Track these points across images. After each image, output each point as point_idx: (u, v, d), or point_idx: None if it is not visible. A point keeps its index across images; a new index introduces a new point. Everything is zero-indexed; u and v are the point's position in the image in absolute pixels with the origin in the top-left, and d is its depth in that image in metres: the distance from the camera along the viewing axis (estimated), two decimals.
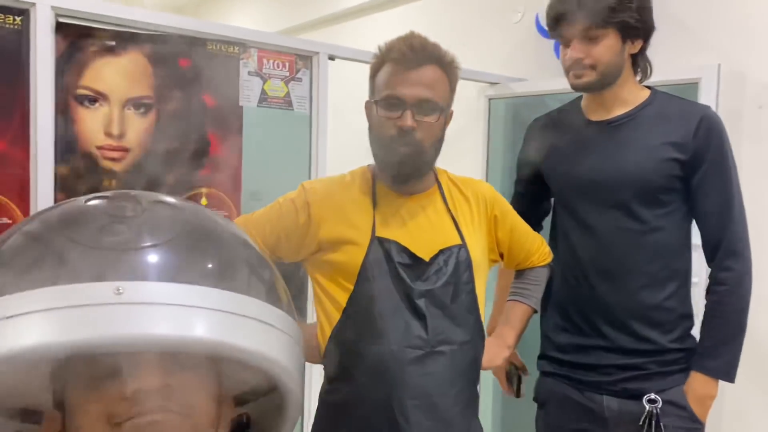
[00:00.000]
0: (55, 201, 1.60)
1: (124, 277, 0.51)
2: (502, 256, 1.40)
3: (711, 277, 1.44)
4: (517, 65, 2.72)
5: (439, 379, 1.16)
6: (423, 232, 1.23)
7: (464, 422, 1.24)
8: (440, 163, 1.35)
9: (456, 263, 1.21)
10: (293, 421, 0.64)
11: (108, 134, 1.68)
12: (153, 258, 0.54)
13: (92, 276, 0.50)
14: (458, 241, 1.24)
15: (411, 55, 1.18)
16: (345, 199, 1.26)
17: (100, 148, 1.67)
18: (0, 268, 0.54)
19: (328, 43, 2.08)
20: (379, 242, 1.20)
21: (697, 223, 1.46)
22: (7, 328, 0.48)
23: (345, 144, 2.76)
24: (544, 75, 2.64)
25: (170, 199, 0.61)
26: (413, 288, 1.18)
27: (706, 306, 1.45)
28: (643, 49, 1.47)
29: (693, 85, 2.12)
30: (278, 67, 1.99)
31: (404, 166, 1.21)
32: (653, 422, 1.36)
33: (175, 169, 1.79)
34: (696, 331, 1.47)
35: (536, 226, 1.61)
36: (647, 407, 1.37)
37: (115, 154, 1.70)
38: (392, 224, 1.23)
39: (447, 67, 1.22)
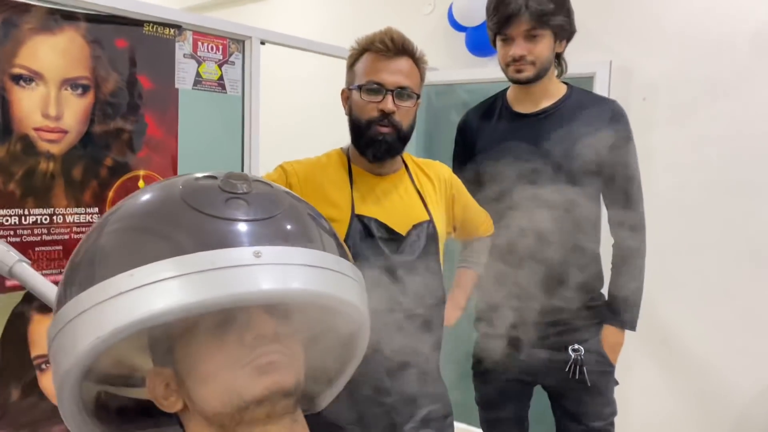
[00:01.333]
0: None
1: (257, 242, 0.59)
2: (454, 228, 1.56)
3: (615, 245, 1.69)
4: (429, 55, 2.88)
5: (416, 337, 1.30)
6: (397, 209, 1.36)
7: (436, 373, 1.40)
8: None
9: (426, 236, 1.35)
10: (358, 362, 0.76)
11: (45, 115, 1.63)
12: (276, 226, 0.63)
13: (229, 242, 0.58)
14: (427, 217, 1.38)
15: (392, 46, 1.31)
16: (324, 180, 1.35)
17: (37, 129, 1.62)
18: (139, 240, 0.60)
19: (261, 28, 2.12)
20: (359, 219, 1.31)
21: (605, 199, 1.70)
22: (165, 288, 0.55)
23: (277, 126, 2.81)
24: (455, 65, 2.84)
25: (262, 179, 0.69)
26: (393, 259, 1.30)
27: (612, 270, 1.70)
28: (564, 49, 1.68)
29: (588, 79, 2.40)
30: (212, 50, 2.00)
31: (384, 145, 1.33)
32: (577, 367, 1.59)
33: (113, 151, 1.77)
34: (605, 290, 1.73)
35: None
36: (572, 355, 1.60)
37: (52, 136, 1.65)
38: (369, 202, 1.34)
39: (418, 61, 1.37)
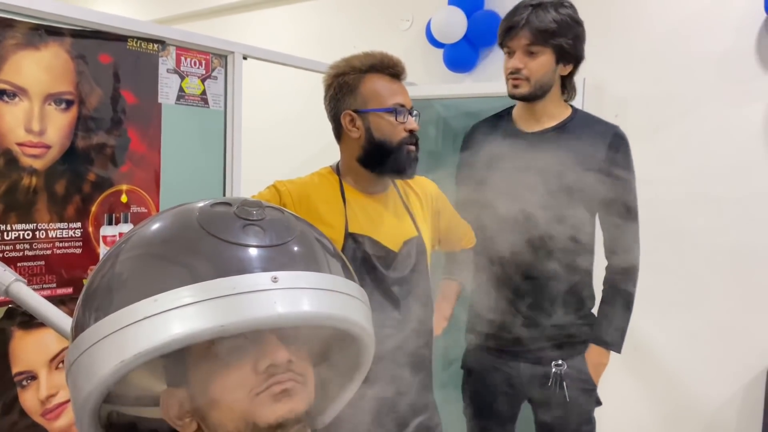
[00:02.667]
0: None
1: (274, 268, 0.62)
2: (438, 241, 1.59)
3: (608, 268, 1.73)
4: (406, 70, 2.93)
5: (411, 350, 1.33)
6: (388, 226, 1.39)
7: (428, 382, 1.45)
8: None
9: (416, 252, 1.39)
10: (361, 379, 0.78)
11: (28, 130, 1.62)
12: (290, 251, 0.65)
13: (248, 268, 0.61)
14: (415, 233, 1.42)
15: (400, 69, 1.39)
16: (317, 200, 1.37)
17: (20, 144, 1.61)
18: (161, 266, 0.62)
19: (243, 43, 2.14)
20: (353, 237, 1.34)
21: (601, 223, 1.73)
22: (189, 313, 0.56)
23: (257, 139, 2.81)
24: (432, 80, 2.88)
25: (272, 205, 0.72)
26: (387, 276, 1.33)
27: (603, 291, 1.73)
28: (571, 74, 1.69)
29: None
30: (195, 65, 2.01)
31: (416, 161, 1.40)
32: (558, 382, 1.63)
33: (96, 165, 1.77)
34: (595, 310, 1.76)
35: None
36: (554, 370, 1.64)
37: (36, 151, 1.64)
38: (362, 221, 1.37)
39: None
